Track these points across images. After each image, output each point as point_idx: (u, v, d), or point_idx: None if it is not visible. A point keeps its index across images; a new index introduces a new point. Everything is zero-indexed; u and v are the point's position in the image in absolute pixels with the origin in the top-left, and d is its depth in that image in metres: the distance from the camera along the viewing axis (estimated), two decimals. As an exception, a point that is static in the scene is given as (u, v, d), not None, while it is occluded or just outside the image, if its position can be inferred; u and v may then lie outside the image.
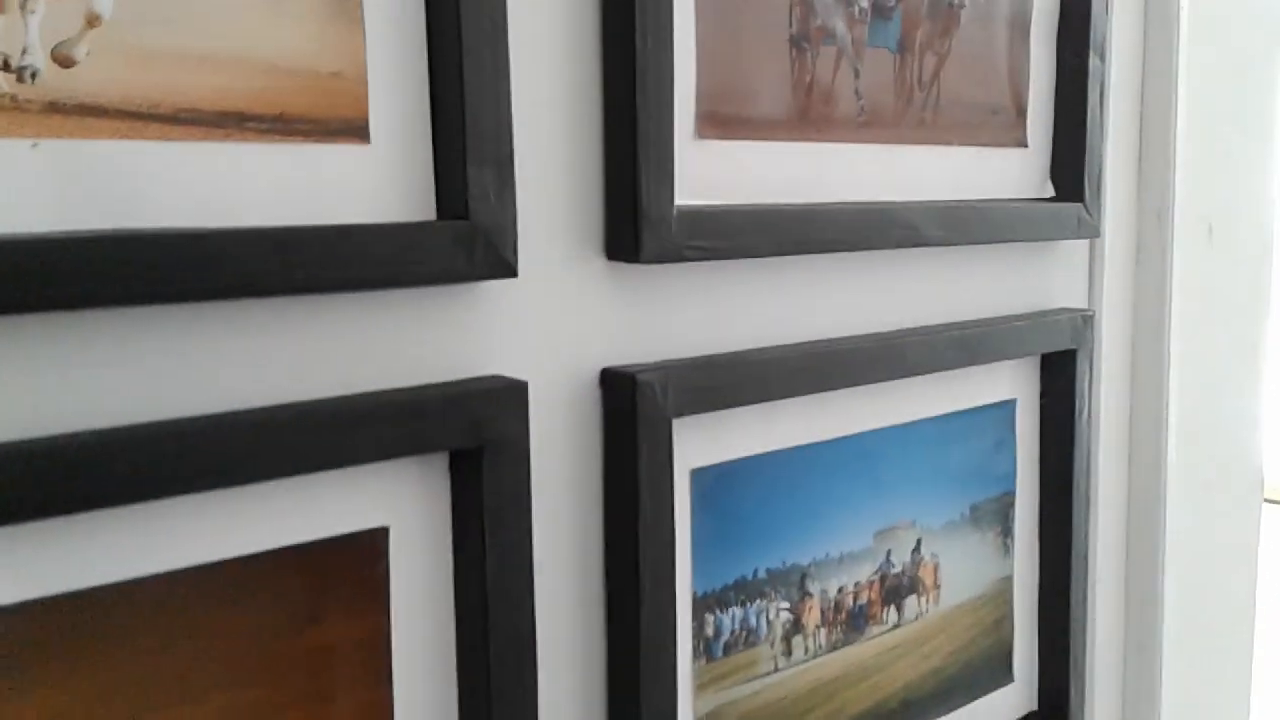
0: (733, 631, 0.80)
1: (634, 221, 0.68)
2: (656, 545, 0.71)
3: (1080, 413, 1.01)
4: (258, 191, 0.55)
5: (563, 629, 0.70)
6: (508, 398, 0.62)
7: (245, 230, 0.54)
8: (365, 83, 0.58)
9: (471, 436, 0.61)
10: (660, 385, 0.69)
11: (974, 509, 0.97)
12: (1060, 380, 1.01)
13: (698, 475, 0.76)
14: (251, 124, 0.54)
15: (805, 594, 0.84)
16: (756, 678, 0.82)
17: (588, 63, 0.67)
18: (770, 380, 0.76)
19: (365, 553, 0.61)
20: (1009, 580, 1.01)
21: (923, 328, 0.87)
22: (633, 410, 0.69)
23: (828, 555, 0.85)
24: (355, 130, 0.58)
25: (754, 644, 0.81)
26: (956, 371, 0.92)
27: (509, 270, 0.62)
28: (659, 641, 0.71)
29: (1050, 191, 0.99)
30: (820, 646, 0.86)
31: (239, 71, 0.54)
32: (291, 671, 0.58)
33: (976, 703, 0.99)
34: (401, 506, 0.61)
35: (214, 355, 0.55)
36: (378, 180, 0.59)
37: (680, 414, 0.71)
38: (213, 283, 0.53)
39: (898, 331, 0.85)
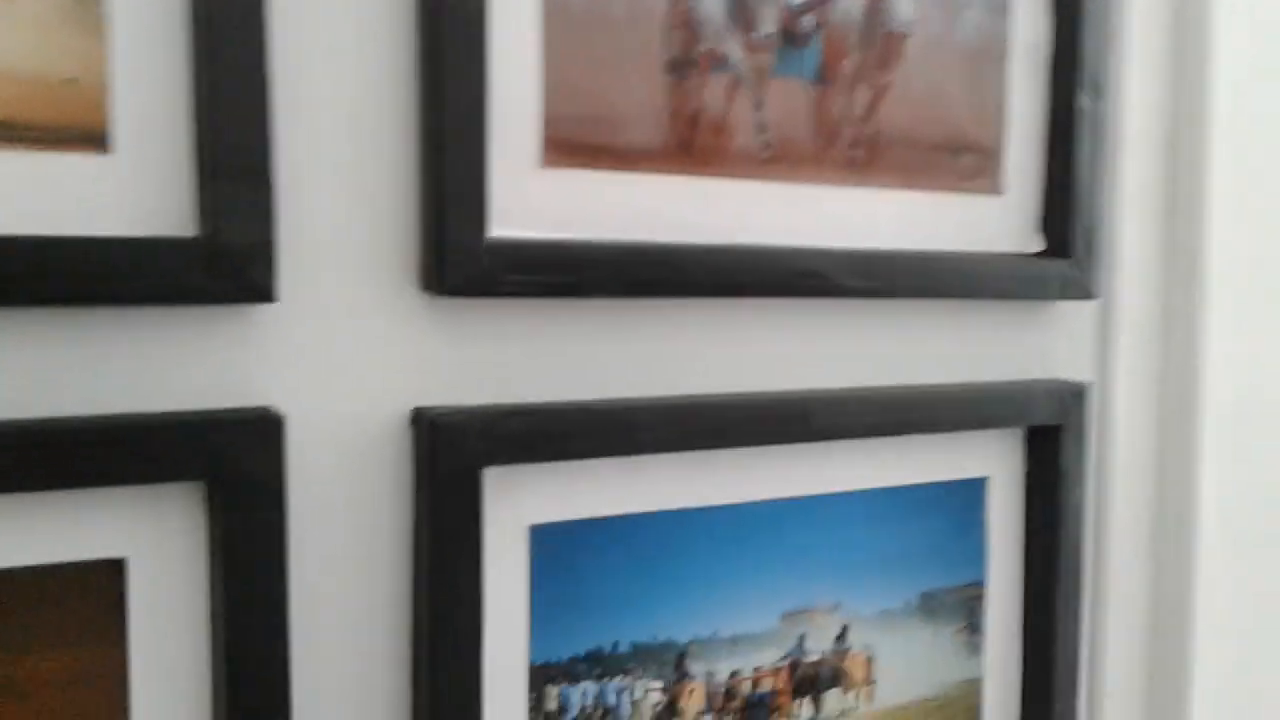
0: (583, 708, 0.73)
1: (439, 251, 0.63)
2: (462, 604, 0.65)
3: (1066, 498, 0.88)
4: (-20, 199, 0.54)
5: (367, 689, 0.65)
6: (258, 431, 0.59)
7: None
8: (104, 90, 0.56)
9: (210, 469, 0.58)
10: (468, 429, 0.64)
11: (926, 598, 0.86)
12: (1044, 459, 0.88)
13: (539, 533, 0.70)
14: (-29, 131, 0.54)
15: (684, 675, 0.76)
16: (615, 763, 0.74)
17: (404, 81, 0.64)
18: (619, 433, 0.69)
19: (99, 585, 0.58)
20: (975, 684, 0.89)
21: (835, 389, 0.78)
22: (433, 455, 0.64)
23: (715, 634, 0.77)
24: (92, 140, 0.56)
25: (613, 725, 0.74)
26: (899, 442, 0.82)
27: (262, 295, 0.58)
28: (462, 708, 0.65)
29: (1040, 245, 0.88)
30: (704, 736, 0.77)
31: (-41, 78, 0.53)
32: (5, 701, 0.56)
33: (926, 821, 0.87)
34: (142, 539, 0.58)
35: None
36: (118, 192, 0.57)
37: (495, 462, 0.66)
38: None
39: (800, 391, 0.77)
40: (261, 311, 0.60)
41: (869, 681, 0.84)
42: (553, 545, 0.71)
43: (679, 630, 0.76)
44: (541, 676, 0.71)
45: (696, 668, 0.77)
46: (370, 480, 0.65)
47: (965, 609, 0.88)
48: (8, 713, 0.56)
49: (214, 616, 0.59)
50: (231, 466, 0.58)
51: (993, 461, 0.88)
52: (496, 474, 0.67)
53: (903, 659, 0.85)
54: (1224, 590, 0.95)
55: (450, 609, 0.65)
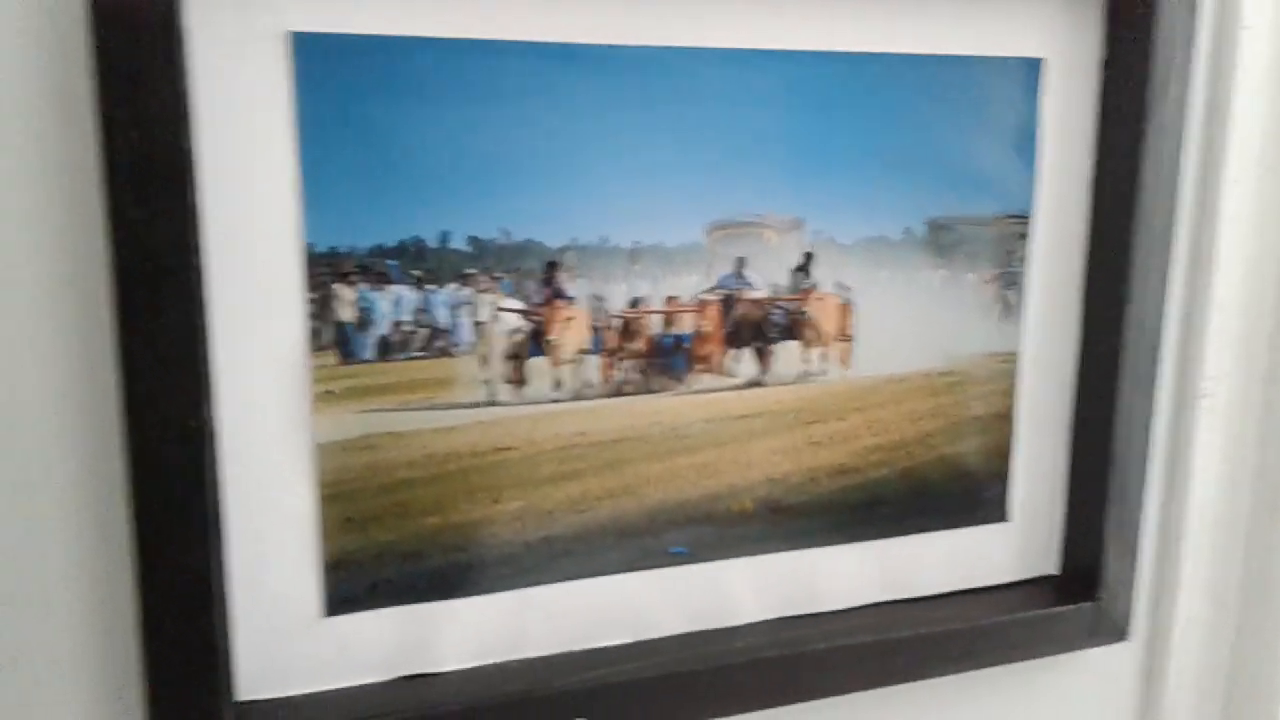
0: (398, 324, 0.51)
1: None
2: (157, 134, 0.43)
3: (1160, 90, 0.60)
4: None
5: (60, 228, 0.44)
6: None
7: None
8: None
9: None
10: None
11: (938, 229, 0.60)
12: (1131, 30, 0.60)
13: (305, 45, 0.47)
14: None
15: (557, 293, 0.53)
16: (449, 407, 0.52)
17: None
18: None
19: None
20: (1010, 360, 0.64)
21: None
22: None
23: (606, 241, 0.53)
24: None
25: (446, 352, 0.52)
26: (898, -22, 0.55)
27: None
28: (169, 271, 0.44)
29: None
30: (589, 385, 0.55)
31: None
32: None
33: (920, 538, 0.63)
34: None
35: None
36: None
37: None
38: None
39: None
40: None
41: (845, 338, 0.60)
42: (335, 72, 0.47)
43: (547, 228, 0.52)
44: (327, 270, 0.49)
45: (575, 288, 0.54)
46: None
47: (998, 249, 0.62)
48: None
49: None
50: None
51: (1055, 32, 0.61)
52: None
53: (896, 312, 0.60)
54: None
55: (139, 139, 0.43)
